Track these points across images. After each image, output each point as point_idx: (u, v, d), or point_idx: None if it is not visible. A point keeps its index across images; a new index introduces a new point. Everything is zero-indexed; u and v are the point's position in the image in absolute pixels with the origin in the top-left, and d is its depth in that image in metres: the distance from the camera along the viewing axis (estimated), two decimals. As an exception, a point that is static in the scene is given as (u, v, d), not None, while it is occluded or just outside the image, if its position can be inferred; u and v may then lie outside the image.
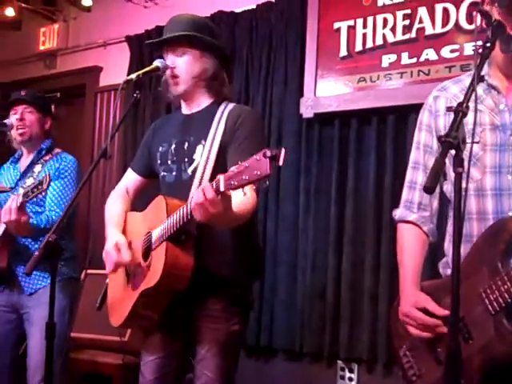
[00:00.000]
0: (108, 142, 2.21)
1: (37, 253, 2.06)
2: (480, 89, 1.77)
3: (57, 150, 3.22)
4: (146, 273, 2.19)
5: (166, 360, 2.37)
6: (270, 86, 3.99)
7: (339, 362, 3.67)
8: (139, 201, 2.58)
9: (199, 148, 2.30)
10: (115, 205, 2.52)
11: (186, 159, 2.33)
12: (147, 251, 2.23)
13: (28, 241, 3.04)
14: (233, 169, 1.74)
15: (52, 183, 3.02)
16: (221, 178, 1.78)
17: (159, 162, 2.44)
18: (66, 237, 2.99)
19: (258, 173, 1.67)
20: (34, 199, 2.97)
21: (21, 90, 3.24)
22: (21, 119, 3.15)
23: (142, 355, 2.44)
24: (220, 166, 2.19)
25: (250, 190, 2.05)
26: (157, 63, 2.39)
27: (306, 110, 3.75)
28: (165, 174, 2.41)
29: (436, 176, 1.42)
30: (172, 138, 2.41)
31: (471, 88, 1.52)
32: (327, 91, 3.73)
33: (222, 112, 2.33)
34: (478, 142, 1.74)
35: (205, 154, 2.26)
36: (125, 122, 2.63)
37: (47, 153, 3.19)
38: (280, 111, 3.93)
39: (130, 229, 2.43)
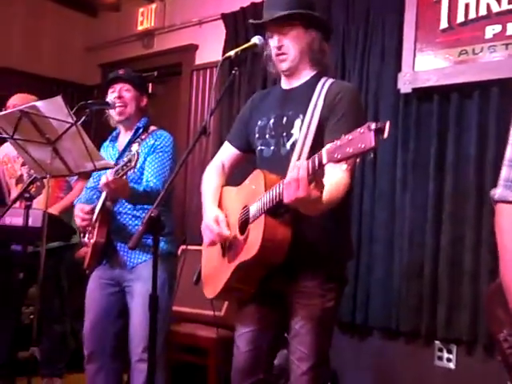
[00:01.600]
0: (207, 119, 2.23)
1: (140, 227, 2.10)
2: None
3: (152, 128, 3.28)
4: (243, 246, 2.21)
5: (260, 332, 2.41)
6: (366, 61, 3.92)
7: (437, 342, 3.61)
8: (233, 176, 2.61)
9: (297, 122, 2.30)
10: (212, 180, 2.56)
11: (285, 133, 2.33)
12: (244, 225, 2.25)
13: (128, 217, 3.15)
14: (336, 142, 1.74)
15: (148, 157, 3.11)
16: (323, 150, 1.78)
17: (257, 135, 2.45)
18: (164, 213, 3.06)
19: (363, 146, 1.65)
20: (133, 177, 3.06)
21: (118, 70, 3.32)
22: (119, 97, 3.22)
23: (236, 327, 2.49)
24: (318, 141, 2.18)
25: (345, 173, 2.10)
26: (255, 40, 2.40)
27: (404, 85, 3.65)
28: (262, 148, 2.42)
29: None
30: (271, 113, 2.42)
31: None
32: (426, 65, 3.61)
33: (322, 87, 2.32)
34: None
35: (304, 129, 2.26)
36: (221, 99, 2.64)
37: (144, 131, 3.25)
38: (377, 86, 3.85)
39: (226, 203, 2.46)
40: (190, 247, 4.04)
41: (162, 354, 3.10)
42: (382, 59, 3.86)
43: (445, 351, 3.60)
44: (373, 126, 1.63)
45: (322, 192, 1.95)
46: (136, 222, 3.12)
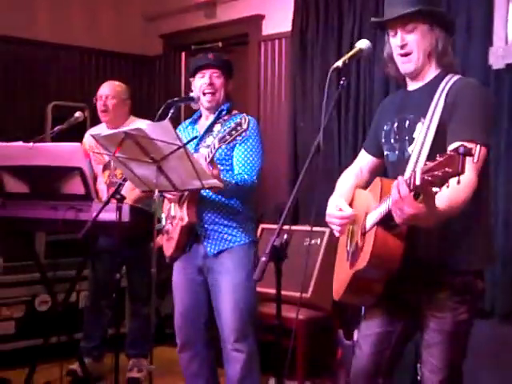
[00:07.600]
0: (320, 136, 2.14)
1: (263, 258, 2.01)
2: None
3: (235, 112, 3.22)
4: (360, 254, 2.23)
5: (385, 336, 2.40)
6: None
7: None
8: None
9: (419, 126, 2.25)
10: (345, 179, 2.57)
11: (407, 137, 2.30)
12: (363, 233, 2.25)
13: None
14: (428, 163, 1.71)
15: (237, 145, 3.06)
16: (417, 171, 1.75)
17: (383, 140, 2.43)
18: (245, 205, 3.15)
19: (450, 170, 1.65)
20: (222, 156, 3.03)
21: (207, 54, 3.22)
22: (210, 84, 3.14)
23: (361, 327, 2.50)
24: (438, 145, 2.12)
25: (470, 170, 1.93)
26: (360, 45, 2.31)
27: (497, 61, 3.48)
28: (388, 153, 2.41)
29: None
30: (394, 116, 2.38)
31: None
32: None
33: (445, 85, 2.23)
34: None
35: (423, 133, 2.20)
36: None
37: (226, 113, 3.19)
38: (463, 62, 3.58)
39: (356, 204, 2.45)
40: (265, 225, 4.07)
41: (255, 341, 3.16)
42: (468, 32, 3.64)
43: None
44: (461, 149, 1.62)
45: (434, 201, 1.88)
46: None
